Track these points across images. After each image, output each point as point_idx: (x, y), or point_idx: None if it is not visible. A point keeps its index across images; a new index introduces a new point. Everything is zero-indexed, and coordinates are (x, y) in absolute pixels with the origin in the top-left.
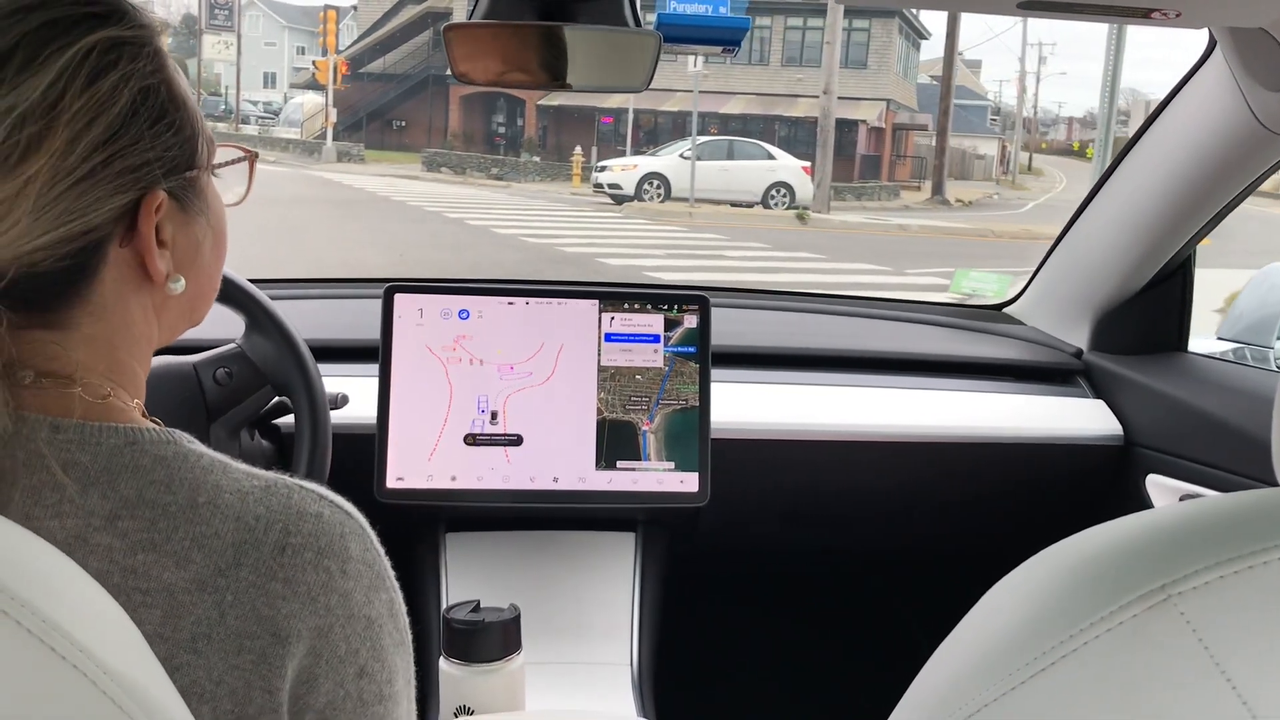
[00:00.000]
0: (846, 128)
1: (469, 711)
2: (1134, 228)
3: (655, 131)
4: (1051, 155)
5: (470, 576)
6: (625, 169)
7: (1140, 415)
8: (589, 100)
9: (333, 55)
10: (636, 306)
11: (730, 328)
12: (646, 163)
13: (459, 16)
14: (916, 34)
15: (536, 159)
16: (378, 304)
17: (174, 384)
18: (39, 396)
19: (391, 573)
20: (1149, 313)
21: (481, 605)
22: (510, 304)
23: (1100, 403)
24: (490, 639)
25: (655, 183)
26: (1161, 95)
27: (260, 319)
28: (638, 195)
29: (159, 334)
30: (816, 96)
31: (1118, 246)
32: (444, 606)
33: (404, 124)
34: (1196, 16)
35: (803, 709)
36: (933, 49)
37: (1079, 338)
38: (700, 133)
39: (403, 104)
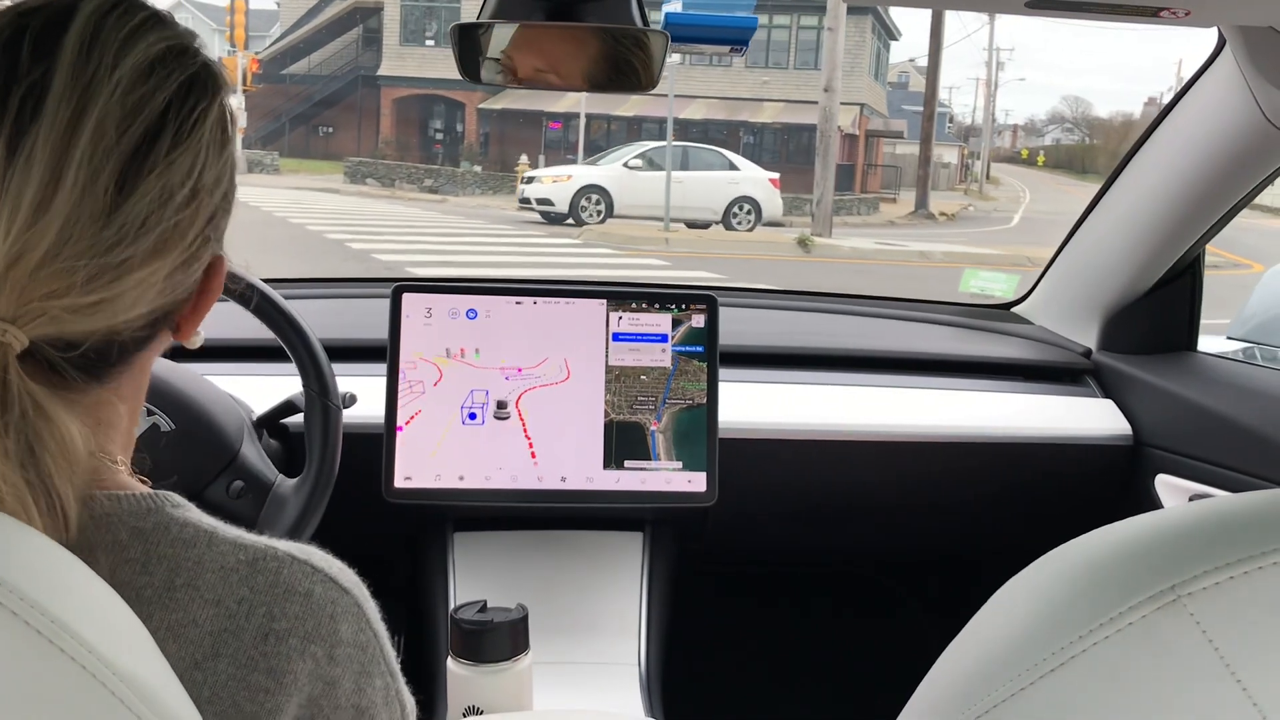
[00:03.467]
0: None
1: (477, 711)
2: (1143, 227)
3: (609, 138)
4: (999, 163)
5: (478, 576)
6: (558, 180)
7: (1150, 415)
8: (535, 103)
9: (241, 52)
10: (644, 306)
11: (738, 327)
12: (583, 173)
13: (391, 12)
14: (888, 34)
15: (478, 169)
16: (385, 303)
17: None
18: None
19: (391, 654)
20: (1158, 312)
21: (489, 605)
22: (518, 303)
23: (1109, 402)
24: (498, 639)
25: (594, 197)
26: (1105, 103)
27: (277, 320)
28: (573, 213)
29: None
30: (783, 101)
31: (1127, 245)
32: (452, 606)
33: (331, 130)
34: (1206, 15)
35: (811, 708)
36: (896, 51)
37: (1088, 337)
38: (658, 141)
39: (330, 108)
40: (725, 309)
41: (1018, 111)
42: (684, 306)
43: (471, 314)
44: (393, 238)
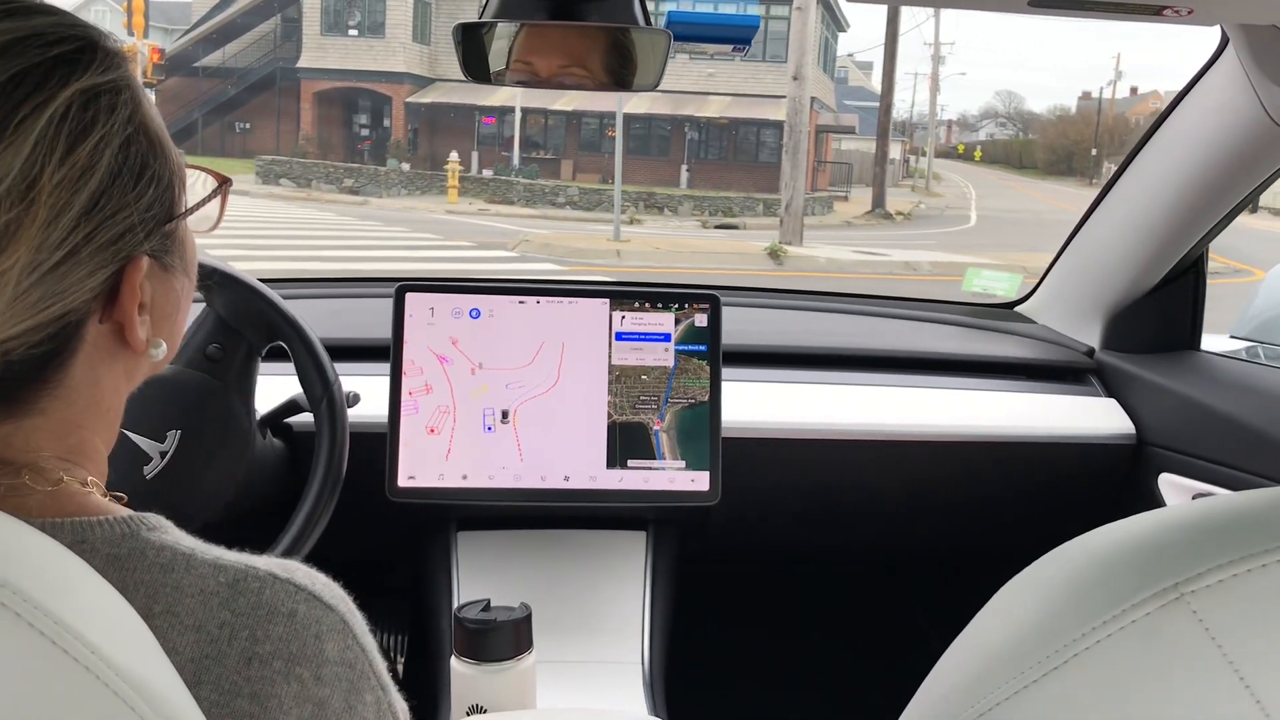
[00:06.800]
0: (768, 130)
1: (481, 710)
2: (1146, 226)
3: (546, 133)
4: (937, 158)
5: (481, 575)
6: None
7: (1153, 414)
8: (467, 97)
9: (140, 40)
10: (647, 305)
11: (739, 326)
12: None
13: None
14: (836, 24)
15: (406, 166)
16: (389, 303)
17: (179, 391)
18: None
19: (381, 666)
20: (1161, 311)
21: (492, 604)
22: (521, 303)
23: (1112, 401)
24: (502, 638)
25: None
26: (1040, 97)
27: (213, 281)
28: None
29: (126, 397)
30: (730, 95)
31: (1130, 244)
32: (455, 605)
33: (248, 126)
34: (1209, 13)
35: (814, 707)
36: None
37: (1091, 336)
38: (601, 137)
39: (247, 102)
40: (726, 308)
41: (951, 107)
42: (686, 305)
43: (475, 313)
44: (294, 252)
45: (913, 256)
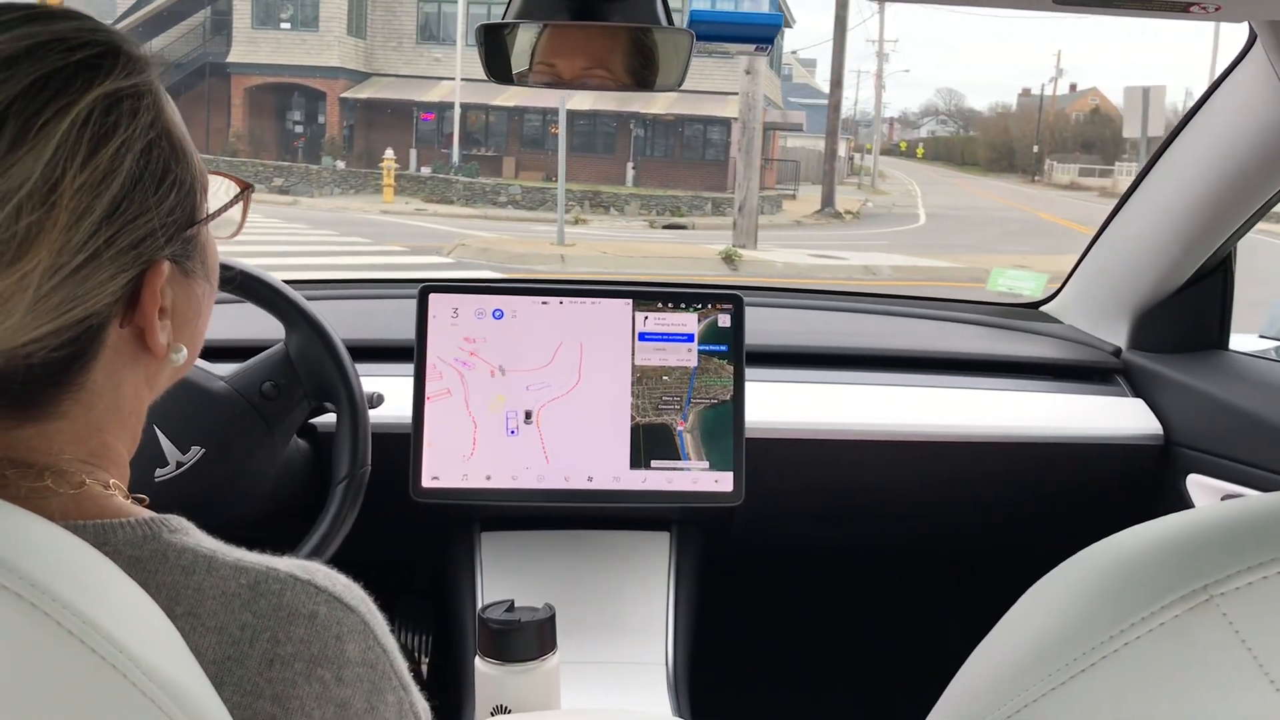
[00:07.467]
0: (715, 127)
1: (505, 710)
2: (1173, 224)
3: (487, 129)
4: (880, 155)
5: (505, 576)
6: None
7: (1180, 414)
8: (405, 92)
9: None
10: (670, 306)
11: (762, 326)
12: None
13: None
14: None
15: (341, 164)
16: (413, 304)
17: (222, 411)
18: (3, 493)
19: (402, 666)
20: (1189, 310)
21: (516, 604)
22: (544, 304)
23: (1140, 402)
24: (526, 638)
25: None
26: (980, 95)
27: (297, 321)
28: None
29: (148, 403)
30: (675, 91)
31: (1157, 243)
32: (479, 606)
33: None
34: (1236, 10)
35: (838, 708)
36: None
37: (1118, 336)
38: (544, 134)
39: (175, 98)
40: (751, 309)
41: (893, 104)
42: (709, 305)
43: (498, 314)
44: None
45: (871, 260)
